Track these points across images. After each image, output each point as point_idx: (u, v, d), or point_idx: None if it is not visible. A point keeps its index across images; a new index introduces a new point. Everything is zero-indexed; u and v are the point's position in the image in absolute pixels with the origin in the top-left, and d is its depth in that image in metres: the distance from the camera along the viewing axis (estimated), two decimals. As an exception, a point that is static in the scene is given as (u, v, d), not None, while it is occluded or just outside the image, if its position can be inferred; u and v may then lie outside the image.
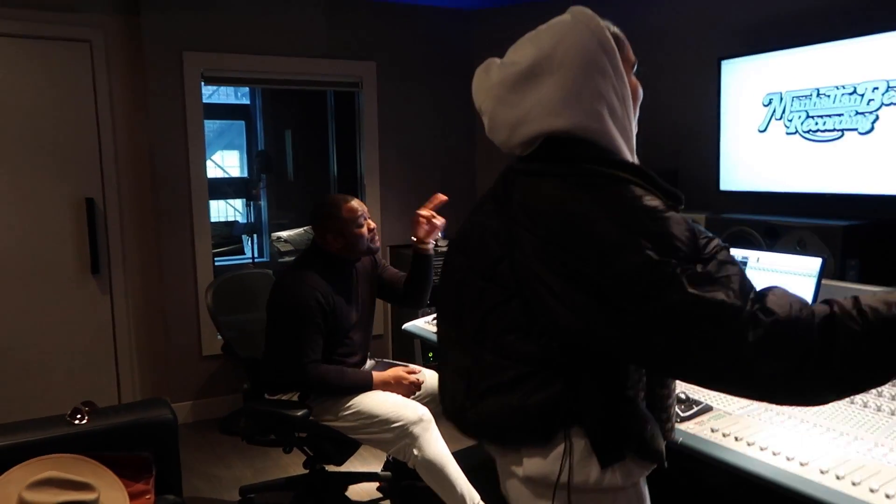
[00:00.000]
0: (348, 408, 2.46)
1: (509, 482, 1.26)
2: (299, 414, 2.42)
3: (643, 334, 1.00)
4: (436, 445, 2.39)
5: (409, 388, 2.57)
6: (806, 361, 0.94)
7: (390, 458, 2.98)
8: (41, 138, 3.58)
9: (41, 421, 2.09)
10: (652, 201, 1.04)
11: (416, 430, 2.38)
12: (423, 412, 2.43)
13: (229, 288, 2.92)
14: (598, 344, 1.06)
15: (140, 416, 2.20)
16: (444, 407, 1.33)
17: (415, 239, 2.69)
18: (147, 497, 2.04)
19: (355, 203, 2.56)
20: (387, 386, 2.54)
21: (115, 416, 2.18)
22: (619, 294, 1.00)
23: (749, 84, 3.03)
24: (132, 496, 1.99)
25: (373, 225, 2.60)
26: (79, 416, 2.10)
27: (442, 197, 2.62)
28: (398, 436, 2.39)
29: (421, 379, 2.61)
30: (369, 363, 2.80)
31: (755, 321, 0.95)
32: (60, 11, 3.53)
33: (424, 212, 2.64)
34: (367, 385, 2.51)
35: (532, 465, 1.17)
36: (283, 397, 2.56)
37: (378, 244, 2.65)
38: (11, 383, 3.59)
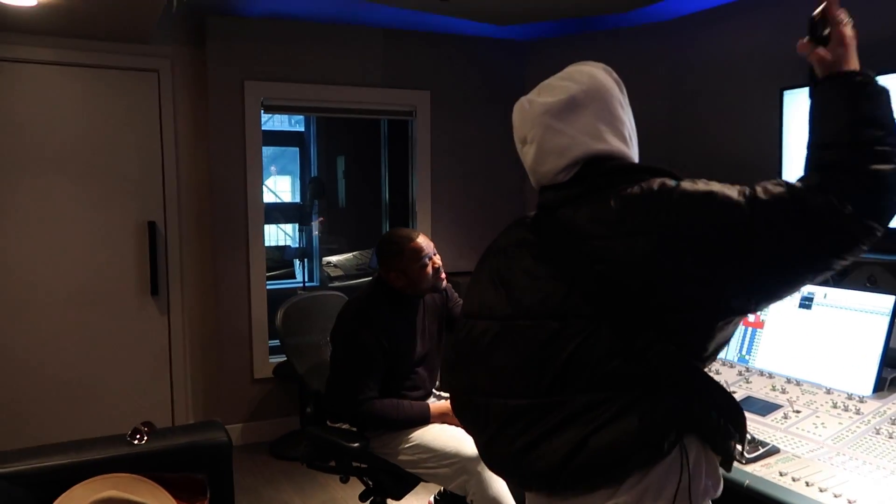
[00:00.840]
0: (406, 441, 2.43)
1: None
2: (356, 445, 2.38)
3: (782, 258, 1.07)
4: (496, 483, 2.30)
5: None
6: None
7: (446, 490, 2.93)
8: (108, 163, 3.72)
9: (103, 440, 2.14)
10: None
11: (477, 466, 2.29)
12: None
13: (301, 309, 2.89)
14: (735, 299, 1.11)
15: (196, 438, 2.22)
16: (530, 481, 1.22)
17: None
18: (201, 519, 2.05)
19: (421, 240, 2.49)
20: (445, 417, 2.48)
21: (173, 438, 2.21)
22: (744, 238, 1.07)
23: (812, 114, 2.95)
24: (187, 518, 2.01)
25: (438, 263, 2.52)
26: (139, 436, 2.14)
27: None
28: (457, 471, 2.33)
29: None
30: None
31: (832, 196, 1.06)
32: (132, 43, 3.69)
33: None
34: (425, 418, 2.45)
35: (637, 491, 1.14)
36: (344, 426, 2.54)
37: (445, 282, 2.57)
38: (72, 400, 3.70)
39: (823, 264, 1.08)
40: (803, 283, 1.10)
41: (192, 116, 3.87)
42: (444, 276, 2.56)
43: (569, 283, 1.14)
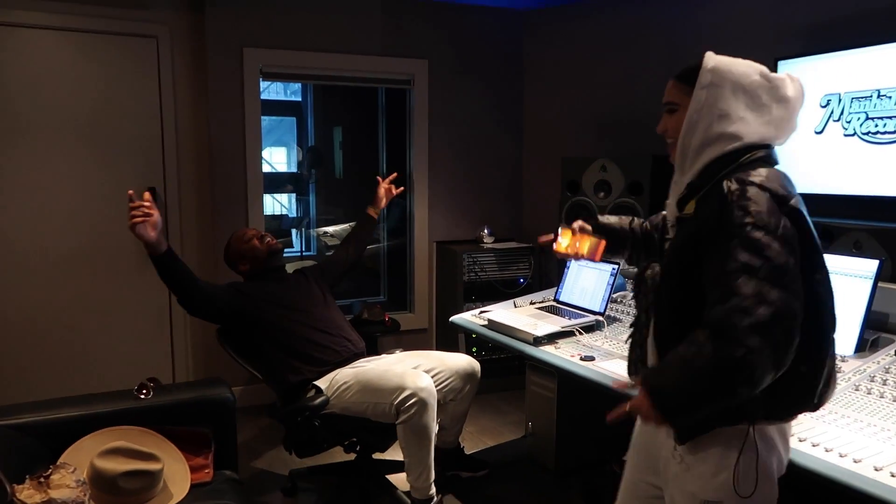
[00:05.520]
0: (350, 386, 2.63)
1: None
2: (319, 401, 2.61)
3: None
4: (432, 418, 2.53)
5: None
6: None
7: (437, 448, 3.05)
8: (108, 129, 3.74)
9: (111, 394, 2.21)
10: None
11: (424, 395, 2.50)
12: (427, 382, 2.56)
13: None
14: None
15: (201, 393, 2.30)
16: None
17: (373, 205, 3.31)
18: (206, 471, 2.13)
19: (240, 231, 3.04)
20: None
21: (178, 393, 2.29)
22: None
23: (806, 85, 2.99)
24: (192, 469, 2.09)
25: (261, 232, 3.00)
26: (144, 391, 2.21)
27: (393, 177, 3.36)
28: (406, 398, 2.50)
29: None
30: (396, 354, 2.98)
31: None
32: (130, 9, 3.68)
33: (386, 184, 3.31)
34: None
35: None
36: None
37: (274, 243, 2.99)
38: (72, 362, 3.77)
39: None
40: None
41: (191, 83, 3.88)
42: (270, 238, 2.99)
43: None
